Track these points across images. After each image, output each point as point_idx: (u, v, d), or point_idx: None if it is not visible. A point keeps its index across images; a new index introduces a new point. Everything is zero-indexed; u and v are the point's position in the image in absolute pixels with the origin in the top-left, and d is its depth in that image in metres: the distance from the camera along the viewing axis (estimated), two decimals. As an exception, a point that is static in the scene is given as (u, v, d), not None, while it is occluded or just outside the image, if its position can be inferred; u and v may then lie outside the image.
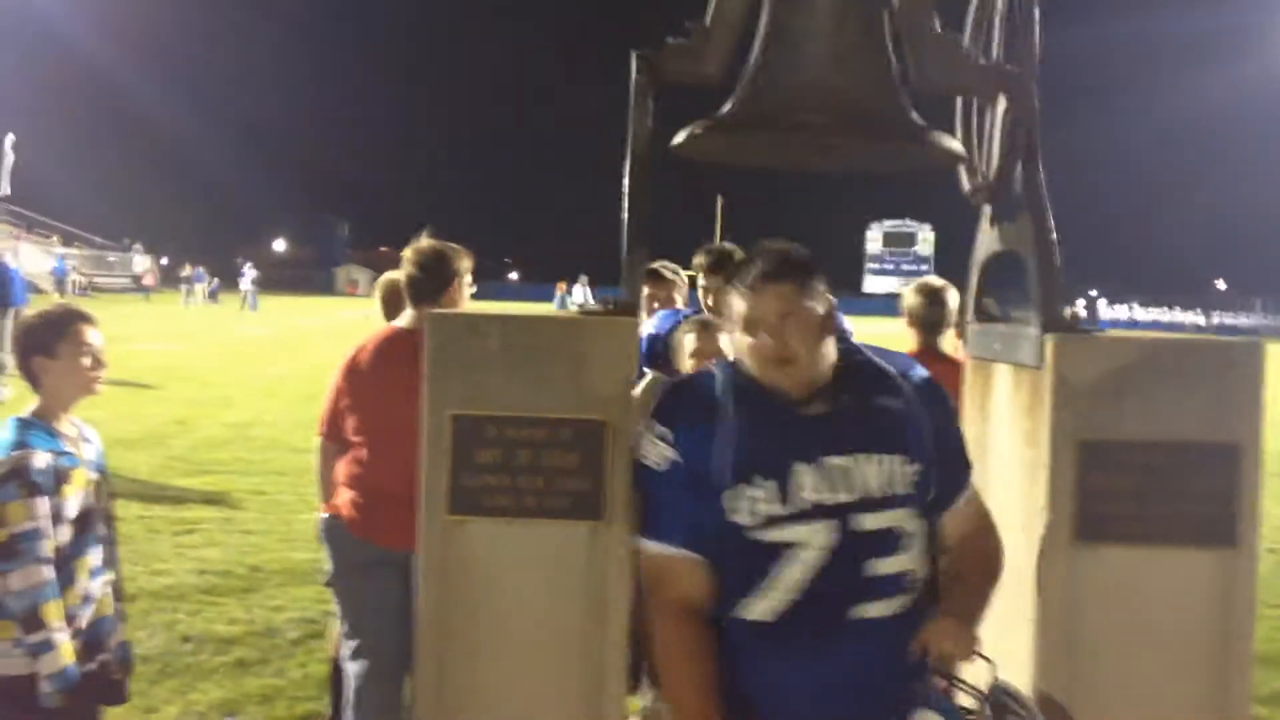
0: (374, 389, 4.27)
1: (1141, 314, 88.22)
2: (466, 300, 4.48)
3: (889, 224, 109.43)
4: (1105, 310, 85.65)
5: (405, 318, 4.41)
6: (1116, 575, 2.98)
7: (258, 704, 5.34)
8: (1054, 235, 3.16)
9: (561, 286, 50.86)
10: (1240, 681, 2.99)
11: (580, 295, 45.05)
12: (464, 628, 3.03)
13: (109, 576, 3.52)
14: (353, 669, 4.30)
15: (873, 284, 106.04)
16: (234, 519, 9.21)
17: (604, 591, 2.99)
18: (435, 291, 4.32)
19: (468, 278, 4.46)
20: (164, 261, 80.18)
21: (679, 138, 3.19)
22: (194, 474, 10.93)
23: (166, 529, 8.75)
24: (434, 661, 3.05)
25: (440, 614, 3.04)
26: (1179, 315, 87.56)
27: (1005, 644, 3.20)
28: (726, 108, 3.22)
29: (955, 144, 3.20)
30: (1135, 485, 2.98)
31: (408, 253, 4.43)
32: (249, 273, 52.47)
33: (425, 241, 4.43)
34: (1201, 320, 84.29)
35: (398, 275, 4.55)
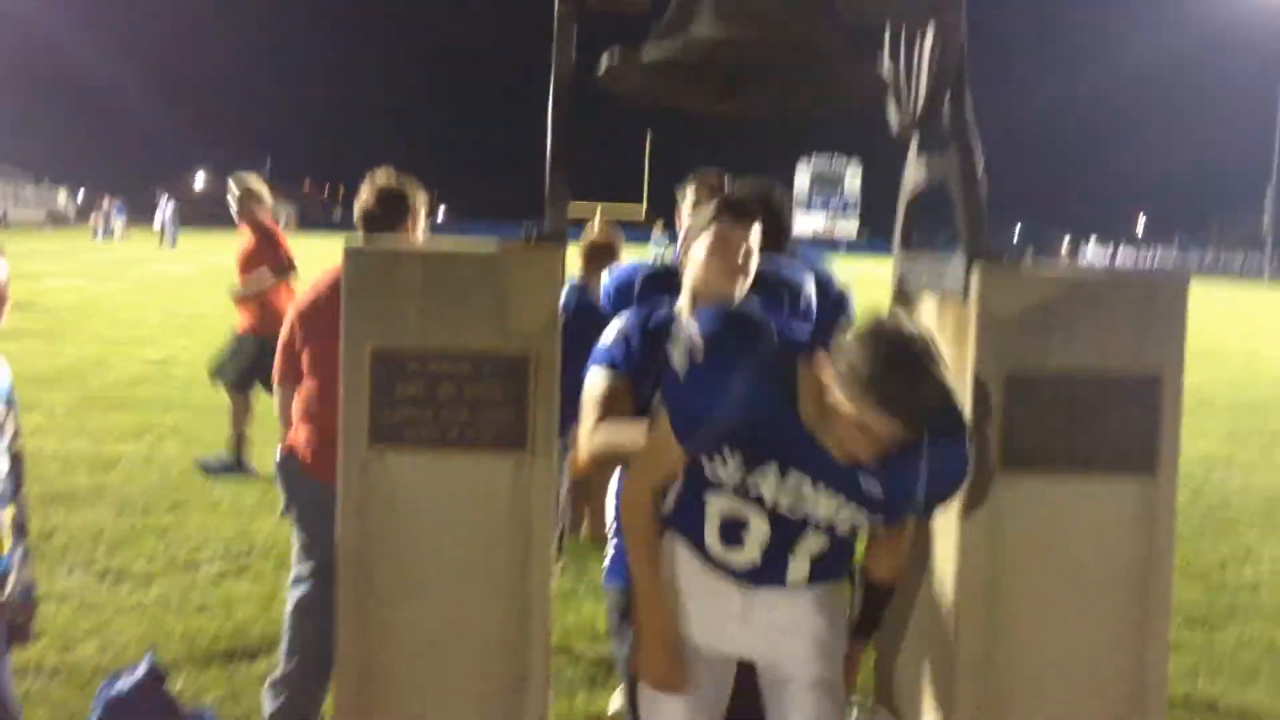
0: (325, 327, 4.21)
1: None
2: (421, 237, 4.43)
3: (817, 161, 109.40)
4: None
5: None
6: (1040, 504, 3.01)
7: (179, 640, 5.27)
8: (980, 167, 3.14)
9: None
10: (1160, 605, 3.05)
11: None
12: (385, 560, 2.99)
13: (8, 511, 3.40)
14: (295, 594, 4.30)
15: (802, 222, 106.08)
16: (153, 456, 9.06)
17: (528, 522, 2.97)
18: (390, 227, 4.27)
19: (423, 211, 4.41)
20: (80, 195, 78.29)
21: (601, 67, 3.12)
22: (112, 411, 10.72)
23: (83, 466, 8.57)
24: (354, 594, 3.02)
25: (361, 546, 3.00)
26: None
27: (933, 572, 3.23)
28: (651, 36, 3.15)
29: (884, 73, 3.17)
30: (1059, 416, 3.00)
31: (365, 187, 4.37)
32: (167, 206, 51.21)
33: (383, 174, 4.38)
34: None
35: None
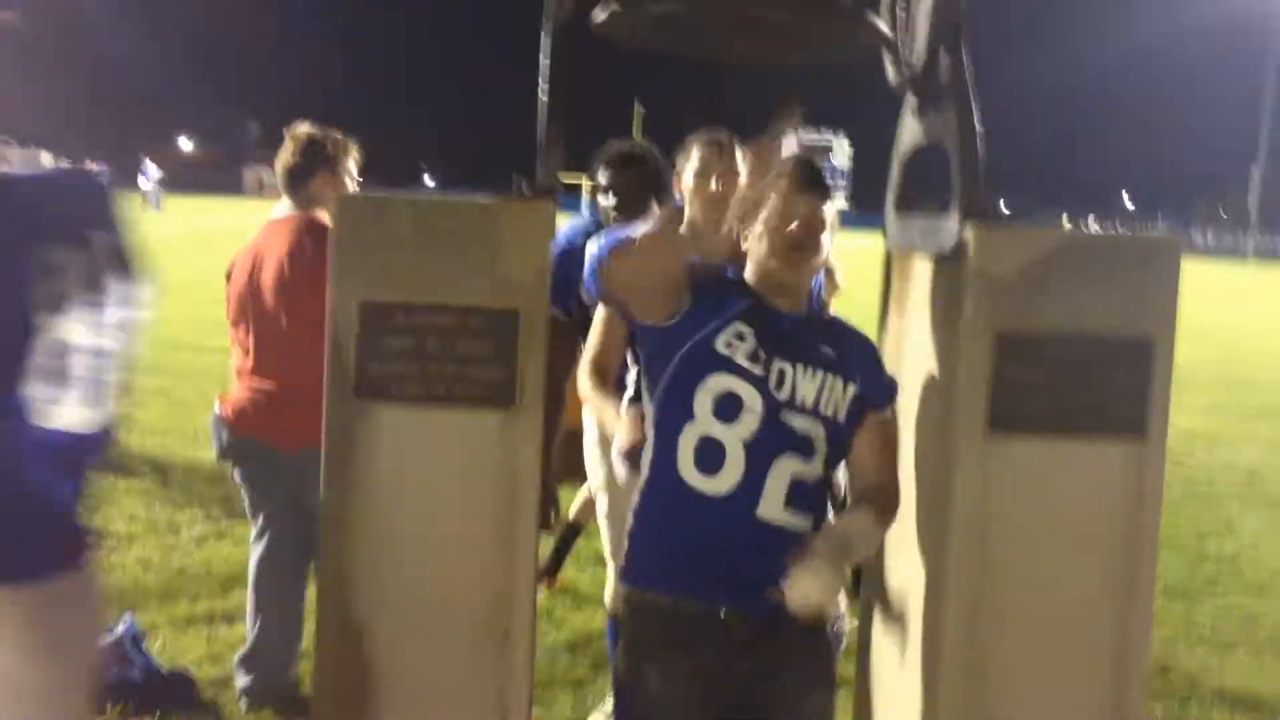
0: (245, 284, 4.18)
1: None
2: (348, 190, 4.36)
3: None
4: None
5: (281, 207, 4.30)
6: (1030, 467, 2.98)
7: (158, 600, 5.25)
8: (977, 124, 3.10)
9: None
10: (1147, 569, 3.04)
11: None
12: (368, 516, 2.95)
13: None
14: (254, 556, 4.30)
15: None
16: (137, 419, 9.00)
17: (515, 479, 2.93)
18: (308, 176, 4.20)
19: (349, 164, 4.31)
20: (64, 163, 77.70)
21: (599, 16, 3.06)
22: (94, 373, 10.64)
23: (65, 427, 8.52)
24: (337, 553, 2.98)
25: (344, 502, 2.95)
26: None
27: (920, 534, 3.21)
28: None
29: (883, 25, 3.13)
30: (1050, 378, 2.97)
31: (285, 145, 4.30)
32: (151, 172, 50.89)
33: (302, 128, 4.30)
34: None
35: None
